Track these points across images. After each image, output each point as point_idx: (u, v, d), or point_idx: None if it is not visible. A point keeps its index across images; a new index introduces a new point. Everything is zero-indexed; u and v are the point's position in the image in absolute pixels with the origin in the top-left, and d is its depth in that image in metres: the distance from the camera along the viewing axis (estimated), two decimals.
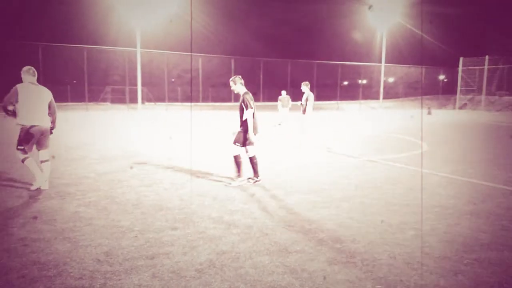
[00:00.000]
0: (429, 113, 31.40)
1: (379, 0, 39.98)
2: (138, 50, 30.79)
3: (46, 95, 6.56)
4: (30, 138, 6.38)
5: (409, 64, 48.40)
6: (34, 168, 6.46)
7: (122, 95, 35.08)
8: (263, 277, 3.60)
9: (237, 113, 7.04)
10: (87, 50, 31.53)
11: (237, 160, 7.02)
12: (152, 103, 36.34)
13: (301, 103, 11.76)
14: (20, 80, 6.46)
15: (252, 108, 6.81)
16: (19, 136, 6.39)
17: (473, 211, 5.63)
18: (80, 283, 3.42)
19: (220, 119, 23.80)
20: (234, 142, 6.97)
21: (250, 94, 6.99)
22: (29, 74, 6.44)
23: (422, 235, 4.68)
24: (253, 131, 6.90)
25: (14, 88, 6.32)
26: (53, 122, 6.68)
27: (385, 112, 35.05)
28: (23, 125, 6.35)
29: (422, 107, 40.16)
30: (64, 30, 44.83)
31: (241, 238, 4.50)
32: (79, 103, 32.77)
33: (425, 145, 12.63)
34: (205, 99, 41.01)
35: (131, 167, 8.30)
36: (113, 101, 36.01)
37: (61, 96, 35.19)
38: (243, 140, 6.94)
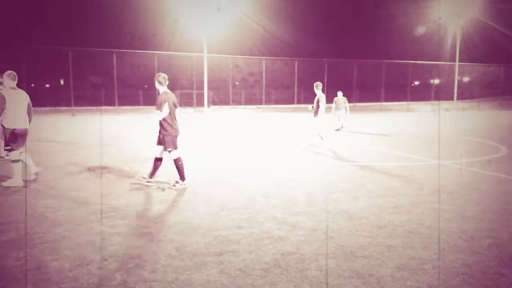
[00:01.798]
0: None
1: None
2: (205, 55, 31.75)
3: (25, 98, 7.07)
4: (16, 138, 6.92)
5: (486, 63, 45.34)
6: (18, 171, 6.87)
7: (190, 99, 36.37)
8: (329, 280, 3.57)
9: None
10: (157, 57, 33.11)
11: (177, 163, 6.82)
12: (217, 106, 37.29)
13: (312, 106, 11.27)
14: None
15: (162, 110, 6.53)
16: (5, 137, 6.96)
17: None
18: (153, 277, 3.61)
19: (278, 120, 23.86)
20: (166, 149, 6.75)
21: (169, 95, 6.70)
22: (10, 79, 6.91)
23: (500, 244, 4.39)
24: (174, 133, 6.73)
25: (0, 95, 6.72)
26: (29, 121, 7.18)
27: (459, 114, 33.13)
28: (7, 127, 6.84)
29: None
30: (136, 38, 47.44)
31: (306, 240, 4.50)
32: (150, 107, 34.43)
33: (505, 148, 11.79)
34: (268, 101, 41.21)
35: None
36: (181, 104, 37.47)
37: (133, 99, 37.33)
38: (172, 142, 6.73)
